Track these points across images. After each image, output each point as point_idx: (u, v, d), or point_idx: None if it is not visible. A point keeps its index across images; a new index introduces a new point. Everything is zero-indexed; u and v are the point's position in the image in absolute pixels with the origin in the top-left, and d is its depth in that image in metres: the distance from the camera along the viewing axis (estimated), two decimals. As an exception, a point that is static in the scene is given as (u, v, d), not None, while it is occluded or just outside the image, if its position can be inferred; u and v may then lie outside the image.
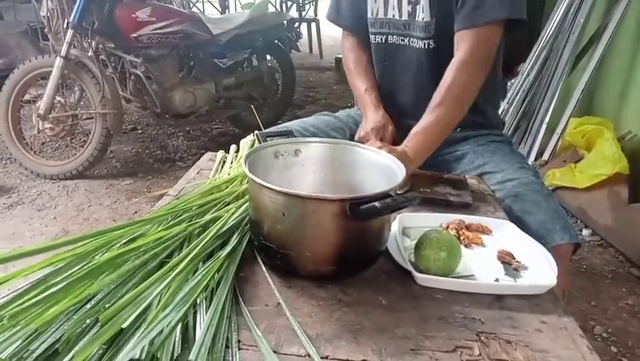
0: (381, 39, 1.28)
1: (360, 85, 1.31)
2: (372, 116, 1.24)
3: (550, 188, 2.49)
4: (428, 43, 1.19)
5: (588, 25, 2.70)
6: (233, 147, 1.24)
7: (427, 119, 1.12)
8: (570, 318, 0.69)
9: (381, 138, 1.17)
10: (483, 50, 1.13)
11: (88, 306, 0.61)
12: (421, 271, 0.76)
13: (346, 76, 1.39)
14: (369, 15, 1.28)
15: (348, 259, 0.74)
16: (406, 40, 1.24)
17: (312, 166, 0.91)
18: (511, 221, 0.95)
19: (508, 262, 0.82)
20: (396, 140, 1.19)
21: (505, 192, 1.12)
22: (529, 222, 1.03)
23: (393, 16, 1.23)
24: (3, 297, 0.61)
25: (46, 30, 3.41)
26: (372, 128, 1.20)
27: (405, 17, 1.21)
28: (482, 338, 0.64)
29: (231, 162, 1.17)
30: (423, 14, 1.17)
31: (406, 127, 1.16)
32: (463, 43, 1.12)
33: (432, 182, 1.11)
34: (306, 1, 7.13)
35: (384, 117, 1.24)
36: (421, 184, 1.09)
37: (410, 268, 0.75)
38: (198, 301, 0.65)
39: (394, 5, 1.22)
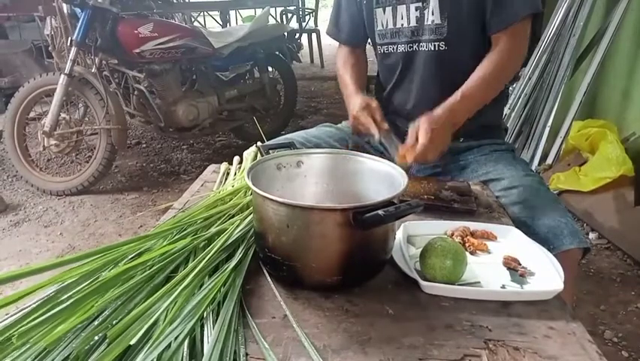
0: (392, 48, 1.30)
1: (350, 81, 1.33)
2: (356, 99, 1.24)
3: (555, 192, 2.48)
4: (438, 46, 1.21)
5: (588, 27, 2.71)
6: (236, 159, 1.25)
7: (466, 89, 1.14)
8: (578, 323, 0.69)
9: (372, 117, 1.18)
10: (519, 46, 1.19)
11: (96, 323, 0.62)
12: (427, 280, 0.76)
13: (338, 79, 1.41)
14: (378, 27, 1.30)
15: (354, 268, 0.74)
16: (415, 47, 1.25)
17: (315, 177, 0.92)
18: (518, 227, 0.95)
19: (514, 268, 0.81)
20: (384, 121, 1.19)
21: (511, 198, 1.11)
22: (537, 227, 1.02)
23: (402, 25, 1.25)
24: (11, 315, 0.61)
25: (50, 48, 3.47)
26: (361, 107, 1.20)
27: (413, 23, 1.23)
28: (490, 346, 0.64)
29: (235, 174, 1.18)
30: (433, 17, 1.19)
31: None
32: (500, 42, 1.17)
33: (436, 189, 1.11)
34: (306, 12, 7.19)
35: (370, 99, 1.24)
36: (424, 191, 1.09)
37: (416, 276, 0.75)
38: (205, 315, 0.65)
39: (402, 14, 1.24)
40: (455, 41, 1.20)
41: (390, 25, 1.27)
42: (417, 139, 1.06)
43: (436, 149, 1.07)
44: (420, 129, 1.06)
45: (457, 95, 1.14)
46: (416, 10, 1.21)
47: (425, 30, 1.22)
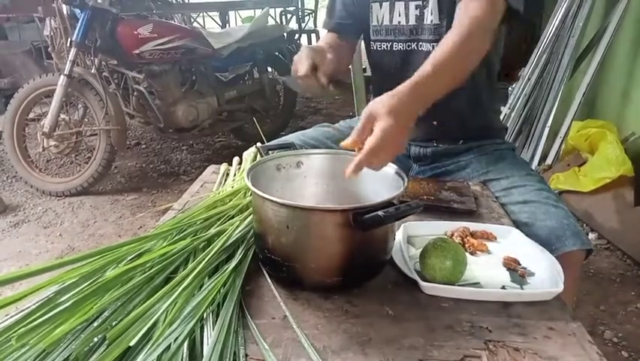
0: (387, 46, 1.27)
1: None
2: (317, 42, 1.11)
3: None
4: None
5: (587, 28, 2.71)
6: (236, 160, 1.24)
7: (435, 60, 0.93)
8: (578, 324, 0.69)
9: (315, 67, 1.01)
10: (489, 17, 0.98)
11: (95, 324, 0.61)
12: (426, 280, 0.75)
13: None
14: (373, 22, 1.27)
15: (354, 269, 0.74)
16: (413, 45, 1.23)
17: (314, 177, 0.92)
18: (520, 228, 0.95)
19: (514, 268, 0.81)
20: (332, 73, 1.02)
21: (512, 198, 1.11)
22: (538, 228, 1.01)
23: (399, 22, 1.23)
24: (11, 316, 0.61)
25: (49, 49, 3.47)
26: (314, 49, 1.04)
27: (412, 22, 1.21)
28: (490, 347, 0.64)
29: (234, 175, 1.17)
30: (432, 17, 1.17)
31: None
32: (467, 7, 0.99)
33: (435, 189, 1.11)
34: (306, 13, 7.19)
35: (328, 50, 1.09)
36: (424, 192, 1.09)
37: (416, 277, 0.75)
38: (205, 316, 0.65)
39: (401, 11, 1.22)
40: None
41: (386, 22, 1.25)
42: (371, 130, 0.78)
43: (388, 152, 0.78)
44: (377, 122, 0.77)
45: (426, 67, 0.91)
46: (416, 8, 1.19)
47: (424, 30, 1.19)
